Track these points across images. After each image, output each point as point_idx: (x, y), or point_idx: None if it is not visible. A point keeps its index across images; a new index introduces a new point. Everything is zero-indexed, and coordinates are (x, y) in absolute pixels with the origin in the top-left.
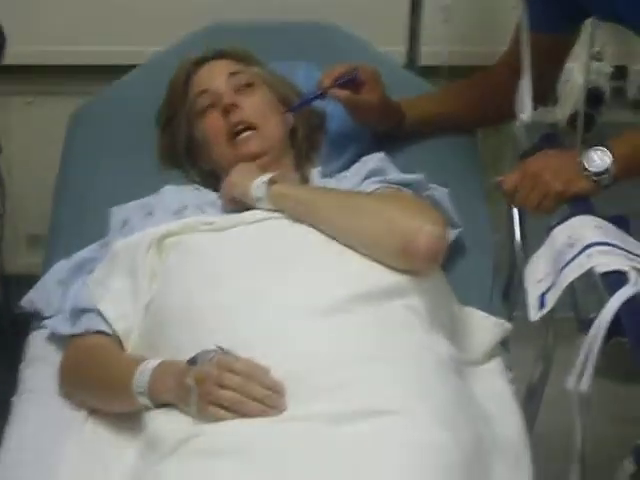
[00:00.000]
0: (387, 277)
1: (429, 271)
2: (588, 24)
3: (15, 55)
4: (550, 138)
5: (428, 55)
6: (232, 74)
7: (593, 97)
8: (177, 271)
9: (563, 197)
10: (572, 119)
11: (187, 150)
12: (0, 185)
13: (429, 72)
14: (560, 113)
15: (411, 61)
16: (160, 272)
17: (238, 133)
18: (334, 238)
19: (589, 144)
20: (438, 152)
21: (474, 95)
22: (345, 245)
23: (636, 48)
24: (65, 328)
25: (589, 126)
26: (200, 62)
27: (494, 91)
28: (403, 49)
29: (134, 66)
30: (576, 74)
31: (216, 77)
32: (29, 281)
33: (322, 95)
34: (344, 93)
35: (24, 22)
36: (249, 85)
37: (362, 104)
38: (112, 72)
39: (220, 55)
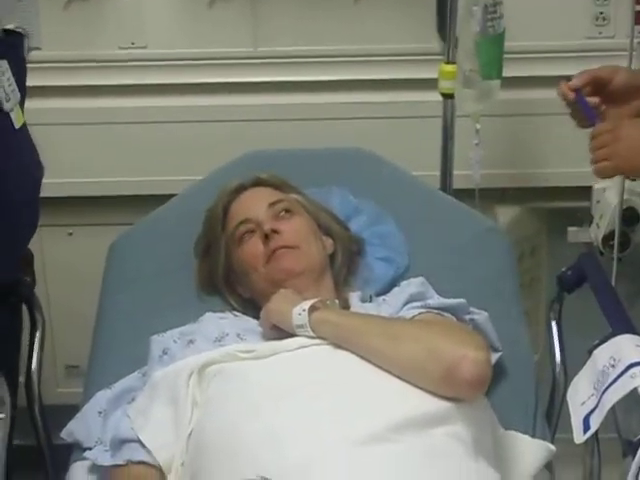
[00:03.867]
0: (430, 404)
1: (474, 398)
2: None
3: (55, 187)
4: (588, 258)
5: (461, 178)
6: (272, 203)
7: (628, 216)
8: (218, 400)
9: (619, 171)
10: (607, 239)
11: (225, 278)
12: (40, 315)
13: (462, 195)
14: (595, 233)
15: (445, 185)
16: (201, 401)
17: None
18: (376, 365)
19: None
20: (476, 275)
21: None
22: (387, 372)
23: None
24: (106, 459)
25: (625, 245)
26: (239, 191)
27: None
28: (436, 173)
29: (171, 195)
30: (610, 194)
31: (255, 206)
32: (68, 411)
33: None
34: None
35: (63, 155)
36: (288, 211)
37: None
38: (150, 202)
39: (258, 183)
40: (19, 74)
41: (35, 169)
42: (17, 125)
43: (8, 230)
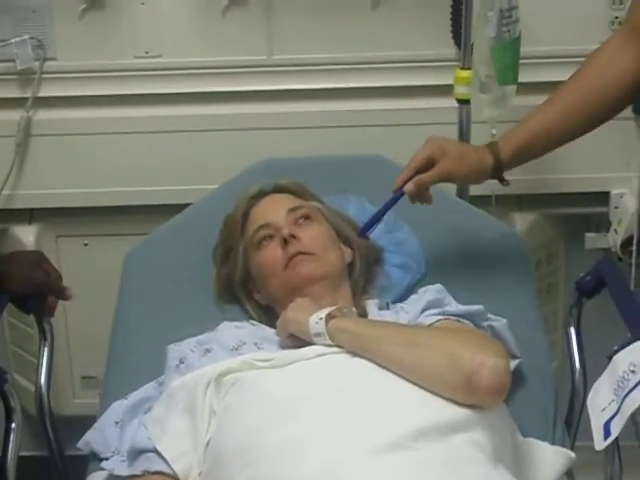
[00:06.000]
0: (449, 411)
1: (493, 405)
2: None
3: (70, 197)
4: (607, 263)
5: (477, 185)
6: (291, 209)
7: None
8: (237, 409)
9: None
10: (626, 244)
11: (243, 283)
12: (48, 325)
13: (478, 202)
14: (613, 238)
15: (461, 191)
16: (219, 410)
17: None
18: (394, 372)
19: None
20: (494, 281)
21: (577, 89)
22: (406, 379)
23: None
24: (123, 469)
25: None
26: (258, 196)
27: (603, 72)
28: None
29: (186, 205)
30: (628, 199)
31: (275, 211)
32: (84, 422)
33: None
34: (413, 183)
35: (77, 165)
36: (307, 218)
37: (434, 180)
38: (165, 211)
39: (278, 189)
40: None
41: None
42: None
43: None
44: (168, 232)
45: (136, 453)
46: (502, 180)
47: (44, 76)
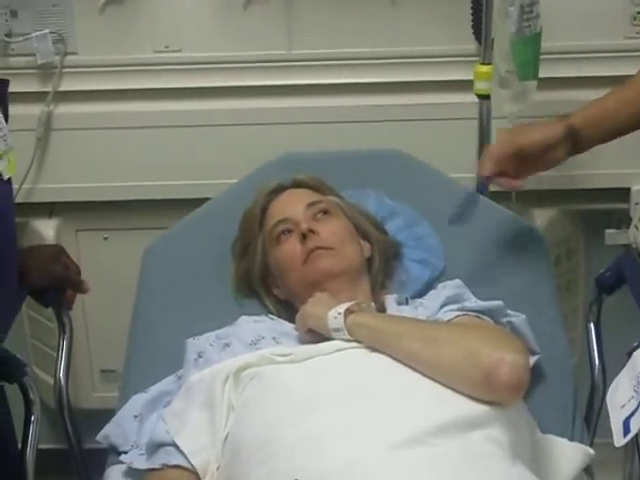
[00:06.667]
0: (468, 408)
1: (512, 402)
2: None
3: (90, 191)
4: (627, 259)
5: None
6: (310, 204)
7: None
8: (255, 404)
9: None
10: None
11: (262, 278)
12: (67, 319)
13: (499, 197)
14: (634, 235)
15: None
16: (237, 405)
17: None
18: (413, 368)
19: None
20: (513, 277)
21: None
22: (425, 375)
23: None
24: (141, 463)
25: None
26: (277, 191)
27: None
28: (473, 175)
29: (205, 199)
30: None
31: (294, 206)
32: (104, 416)
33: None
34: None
35: (97, 159)
36: (326, 212)
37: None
38: (184, 206)
39: (297, 184)
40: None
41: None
42: (6, 176)
43: None
44: (187, 226)
45: (155, 447)
46: (578, 143)
47: (64, 70)
